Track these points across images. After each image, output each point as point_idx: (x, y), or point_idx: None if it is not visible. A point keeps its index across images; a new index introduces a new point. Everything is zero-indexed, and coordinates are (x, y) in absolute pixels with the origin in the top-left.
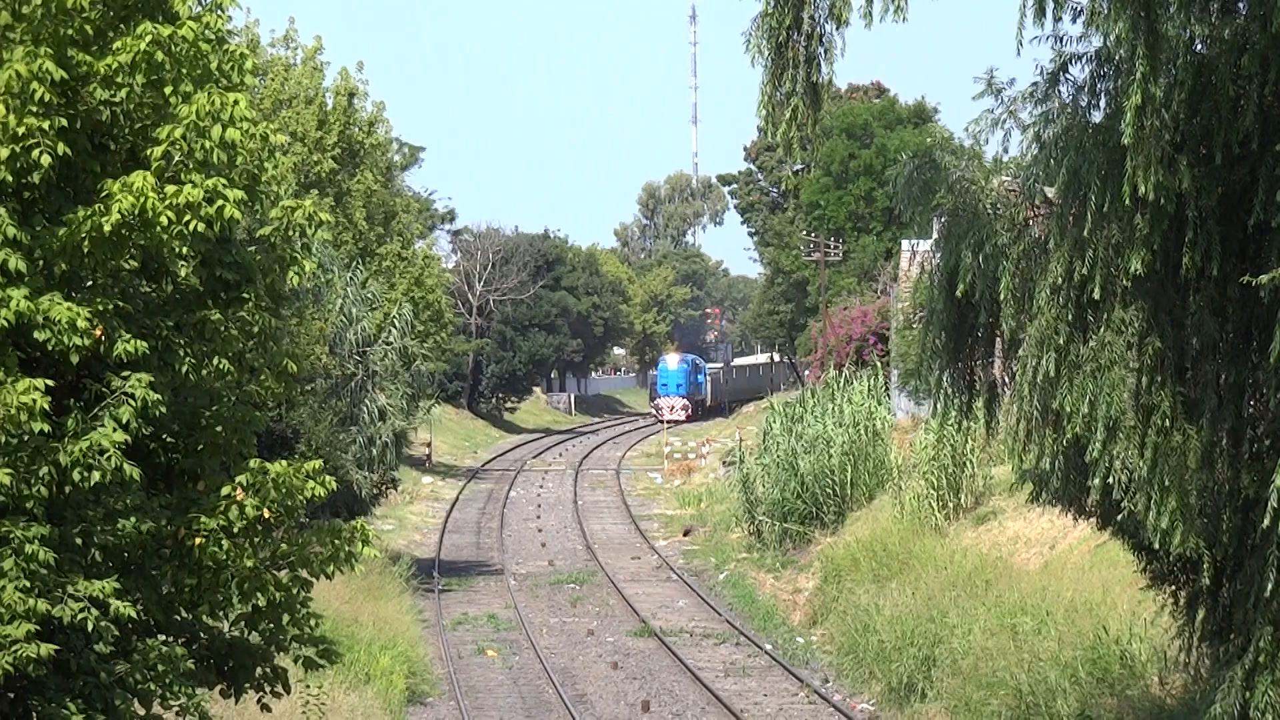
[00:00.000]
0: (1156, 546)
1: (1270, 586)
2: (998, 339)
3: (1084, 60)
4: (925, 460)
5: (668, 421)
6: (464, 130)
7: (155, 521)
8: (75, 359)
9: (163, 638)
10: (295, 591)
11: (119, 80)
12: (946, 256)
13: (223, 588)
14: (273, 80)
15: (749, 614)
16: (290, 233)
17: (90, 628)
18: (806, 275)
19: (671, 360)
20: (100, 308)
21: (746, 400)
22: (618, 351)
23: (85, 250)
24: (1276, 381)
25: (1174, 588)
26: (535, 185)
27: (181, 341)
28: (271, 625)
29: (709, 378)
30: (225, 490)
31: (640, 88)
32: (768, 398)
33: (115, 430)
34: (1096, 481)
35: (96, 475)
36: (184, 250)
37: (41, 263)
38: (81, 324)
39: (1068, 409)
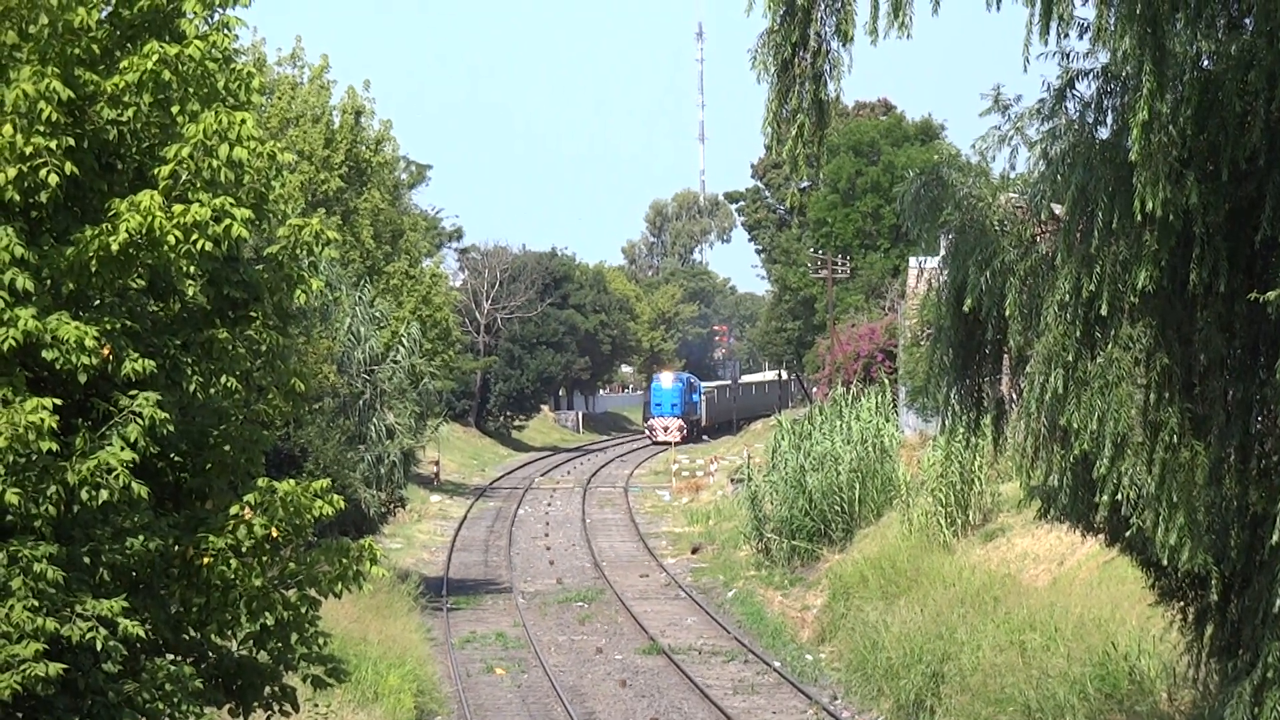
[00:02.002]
0: (1165, 563)
1: (1279, 602)
2: (1005, 356)
3: (1091, 76)
4: (933, 477)
5: (661, 443)
6: (471, 148)
7: (163, 540)
8: (83, 378)
9: (171, 657)
10: (303, 610)
11: (126, 99)
12: (954, 273)
13: (231, 607)
14: (280, 99)
15: (757, 631)
16: (298, 251)
17: (99, 647)
18: (814, 292)
19: (665, 379)
20: (108, 327)
21: (754, 418)
22: (625, 369)
23: (93, 269)
24: None
25: (1182, 604)
26: (543, 203)
27: (189, 360)
28: (280, 644)
29: (704, 397)
30: (233, 509)
31: (647, 105)
32: (776, 415)
33: (123, 449)
34: (1104, 498)
35: (104, 494)
36: (191, 269)
37: (49, 282)
38: (89, 343)
39: (1075, 425)
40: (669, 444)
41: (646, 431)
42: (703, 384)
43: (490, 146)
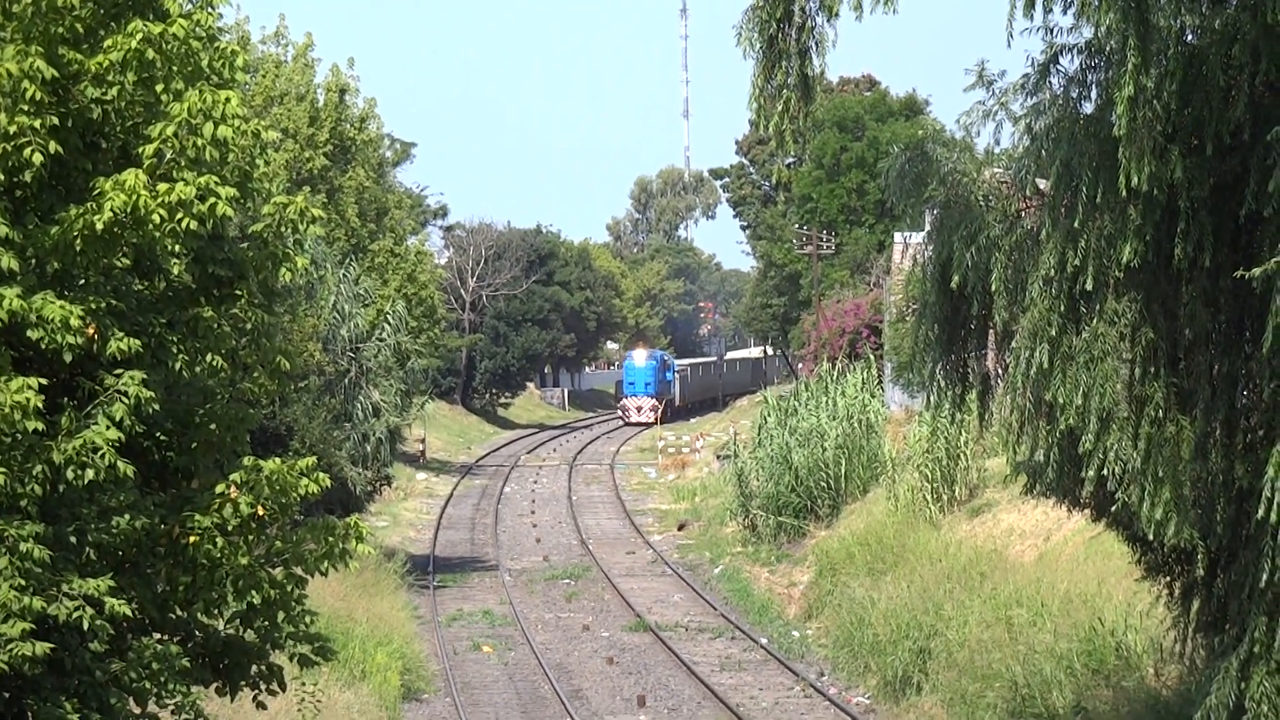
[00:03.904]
0: (1151, 538)
1: (1265, 577)
2: (990, 331)
3: (1075, 52)
4: (919, 453)
5: (635, 424)
6: (456, 126)
7: (149, 519)
8: (68, 357)
9: (158, 636)
10: (290, 589)
11: (110, 78)
12: (939, 249)
13: (217, 585)
14: (264, 77)
15: (744, 608)
16: (282, 229)
17: (85, 626)
18: (799, 268)
19: (639, 357)
20: (93, 306)
21: (732, 396)
22: (611, 346)
23: (78, 248)
24: (1269, 371)
25: (1169, 579)
26: (527, 180)
27: (174, 339)
28: (266, 623)
29: (678, 375)
30: (219, 488)
31: (631, 82)
32: (762, 391)
33: (109, 428)
34: (1090, 473)
35: (90, 473)
36: (176, 248)
37: (34, 261)
38: (74, 322)
39: (1061, 400)
40: (642, 425)
41: (619, 412)
42: (677, 362)
43: (474, 124)
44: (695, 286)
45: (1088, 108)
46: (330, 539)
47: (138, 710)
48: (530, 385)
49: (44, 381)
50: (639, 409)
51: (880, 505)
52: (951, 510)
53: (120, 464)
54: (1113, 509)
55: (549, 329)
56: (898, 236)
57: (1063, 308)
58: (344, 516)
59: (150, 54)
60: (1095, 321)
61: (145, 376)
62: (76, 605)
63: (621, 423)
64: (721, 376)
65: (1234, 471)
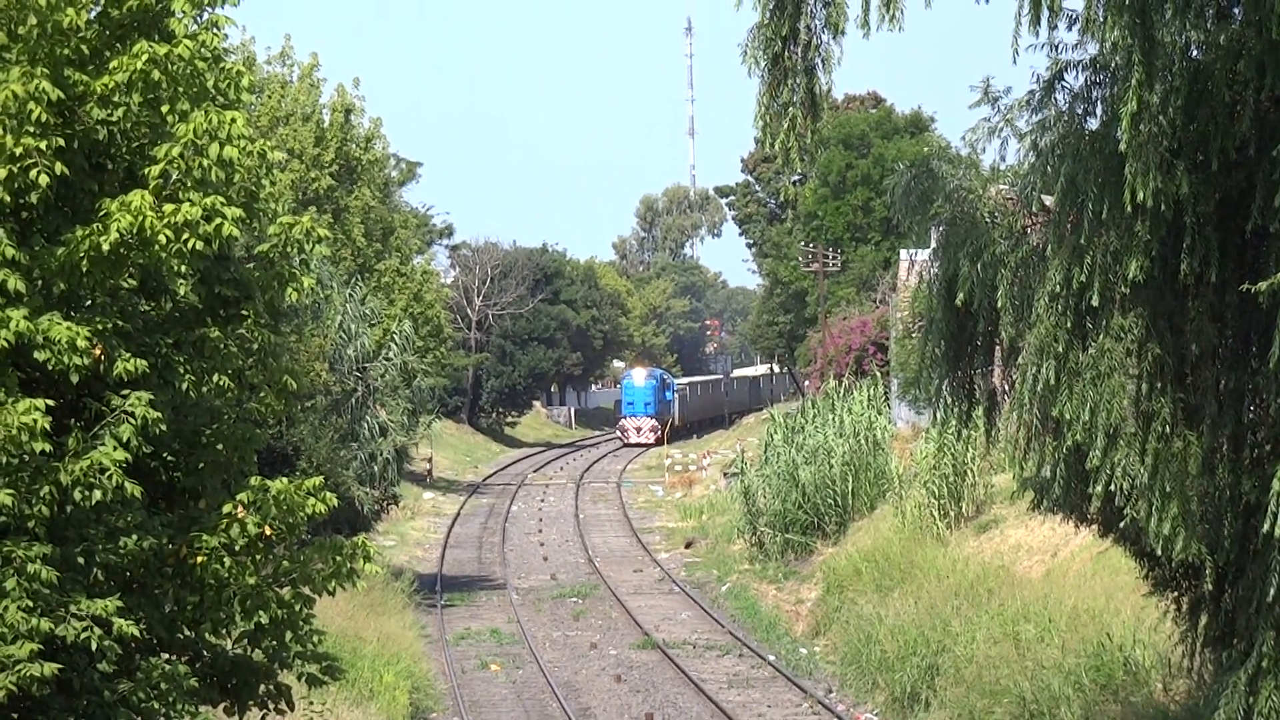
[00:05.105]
0: (1158, 553)
1: (1273, 591)
2: (997, 347)
3: (1080, 68)
4: (926, 469)
5: (634, 444)
6: (460, 144)
7: (157, 539)
8: (75, 378)
9: (166, 656)
10: (297, 608)
11: (116, 99)
12: (945, 265)
13: (225, 605)
14: (270, 98)
15: (752, 625)
16: (289, 249)
17: (93, 647)
18: (805, 286)
19: (638, 376)
20: (100, 327)
21: (733, 416)
22: (617, 364)
23: (84, 269)
24: (1276, 386)
25: (1176, 594)
26: (533, 199)
27: (181, 359)
28: (274, 642)
29: (677, 395)
30: (226, 508)
31: (637, 100)
32: (768, 409)
33: (116, 449)
34: (1097, 489)
35: (98, 494)
36: (183, 268)
37: (40, 283)
38: (81, 343)
39: (1068, 416)
40: (642, 446)
41: (618, 432)
42: (677, 381)
43: (480, 143)
44: (701, 304)
45: (1093, 124)
46: (338, 558)
47: None
48: (537, 404)
49: (51, 403)
50: (638, 429)
51: (887, 522)
52: (959, 526)
53: (127, 484)
54: (1120, 524)
55: (555, 348)
56: (903, 253)
57: (1069, 324)
58: (351, 536)
59: (156, 75)
60: (1101, 337)
61: (152, 397)
62: (84, 626)
63: (621, 443)
64: (727, 395)
65: (1241, 486)
